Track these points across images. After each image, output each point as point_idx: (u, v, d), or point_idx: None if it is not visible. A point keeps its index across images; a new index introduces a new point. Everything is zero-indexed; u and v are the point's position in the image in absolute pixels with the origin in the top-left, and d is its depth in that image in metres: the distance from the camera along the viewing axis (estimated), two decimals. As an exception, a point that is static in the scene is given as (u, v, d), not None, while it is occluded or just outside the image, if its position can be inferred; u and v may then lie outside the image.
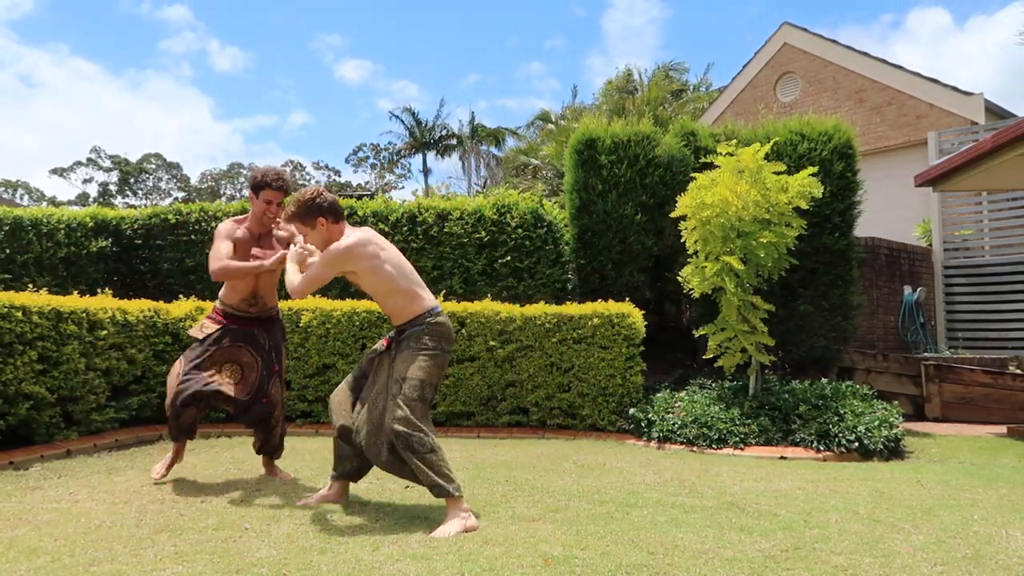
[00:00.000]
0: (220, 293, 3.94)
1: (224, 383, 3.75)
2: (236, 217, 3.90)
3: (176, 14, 75.19)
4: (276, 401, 3.93)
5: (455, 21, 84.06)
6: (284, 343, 4.12)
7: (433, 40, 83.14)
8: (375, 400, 3.22)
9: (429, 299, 3.29)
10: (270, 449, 4.05)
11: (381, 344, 3.34)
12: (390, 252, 3.30)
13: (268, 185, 3.76)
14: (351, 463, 3.37)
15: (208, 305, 6.12)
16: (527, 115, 44.20)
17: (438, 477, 3.01)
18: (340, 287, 7.28)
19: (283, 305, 6.10)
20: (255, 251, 3.75)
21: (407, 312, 3.23)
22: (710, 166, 6.19)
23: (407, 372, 3.11)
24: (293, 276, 3.29)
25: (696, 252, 5.97)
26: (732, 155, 5.86)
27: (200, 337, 3.83)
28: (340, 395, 3.37)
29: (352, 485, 3.65)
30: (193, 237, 7.57)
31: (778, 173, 5.76)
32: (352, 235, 3.22)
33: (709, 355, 6.05)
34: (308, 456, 4.66)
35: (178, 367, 3.78)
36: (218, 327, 3.83)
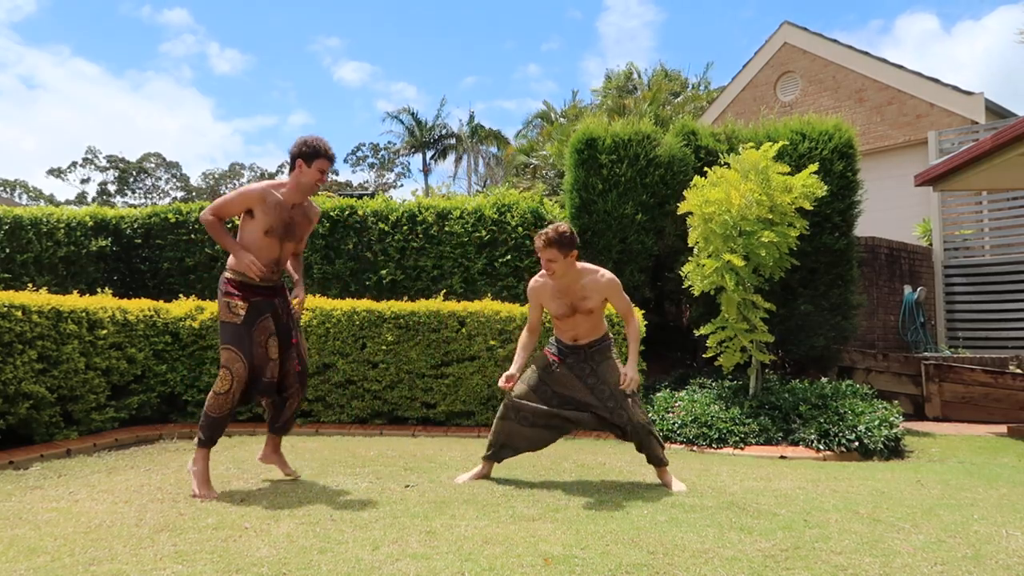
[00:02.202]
0: (229, 262, 3.64)
1: (271, 372, 3.64)
2: (273, 181, 3.68)
3: (176, 17, 75.43)
4: (293, 373, 3.75)
5: (452, 24, 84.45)
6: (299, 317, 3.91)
7: (431, 42, 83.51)
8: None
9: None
10: (281, 425, 3.87)
11: (553, 360, 3.91)
12: None
13: (324, 154, 3.65)
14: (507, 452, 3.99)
15: (208, 305, 6.11)
16: (525, 116, 44.34)
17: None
18: (341, 286, 7.28)
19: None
20: (245, 258, 3.53)
21: (601, 331, 3.92)
22: (711, 164, 6.19)
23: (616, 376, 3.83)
24: (633, 347, 3.91)
25: (698, 248, 5.97)
26: (738, 153, 5.87)
27: (237, 320, 3.55)
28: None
29: (352, 485, 3.69)
30: (193, 236, 7.57)
31: (782, 174, 5.76)
32: (594, 266, 3.87)
33: (709, 354, 6.05)
34: (308, 455, 4.66)
35: (239, 365, 3.52)
36: (245, 304, 3.57)
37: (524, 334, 4.03)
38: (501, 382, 3.75)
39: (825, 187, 5.82)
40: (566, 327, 3.87)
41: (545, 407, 3.87)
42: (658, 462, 3.90)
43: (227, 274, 3.64)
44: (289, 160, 3.71)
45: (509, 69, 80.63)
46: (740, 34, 77.36)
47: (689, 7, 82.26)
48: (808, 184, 5.71)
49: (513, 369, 3.82)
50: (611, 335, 4.02)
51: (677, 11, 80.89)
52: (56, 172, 43.31)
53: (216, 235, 3.60)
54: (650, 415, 5.63)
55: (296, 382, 3.80)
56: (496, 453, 3.97)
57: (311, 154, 3.64)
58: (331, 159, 3.72)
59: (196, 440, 3.61)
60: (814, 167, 5.85)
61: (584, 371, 3.87)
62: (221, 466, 4.31)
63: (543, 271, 3.79)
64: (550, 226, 3.66)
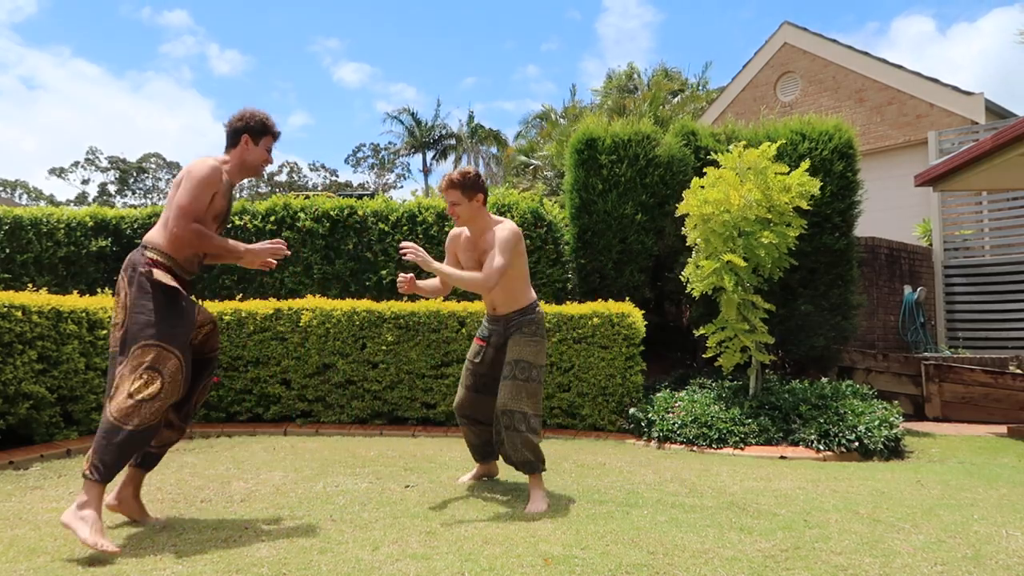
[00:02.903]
0: (158, 240, 2.96)
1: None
2: (220, 157, 3.14)
3: (176, 19, 75.54)
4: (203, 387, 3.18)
5: (452, 25, 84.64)
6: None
7: (430, 43, 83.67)
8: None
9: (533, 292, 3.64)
10: (186, 414, 3.12)
11: (479, 346, 3.61)
12: None
13: (271, 131, 3.23)
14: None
15: (209, 304, 6.12)
16: (524, 117, 44.47)
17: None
18: (341, 286, 7.28)
19: (283, 305, 6.11)
20: (259, 247, 3.13)
21: (524, 300, 3.53)
22: (711, 165, 6.19)
23: (520, 355, 3.41)
24: (466, 274, 3.43)
25: (696, 249, 5.97)
26: (728, 151, 5.87)
27: (167, 283, 2.87)
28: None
29: (352, 486, 3.69)
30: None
31: (780, 174, 5.76)
32: (510, 222, 3.49)
33: (709, 354, 6.05)
34: (308, 456, 4.66)
35: (174, 360, 2.80)
36: (174, 283, 2.91)
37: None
38: (399, 280, 3.44)
39: (819, 183, 5.81)
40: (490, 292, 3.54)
41: (490, 398, 3.57)
42: (527, 466, 3.37)
43: (149, 253, 2.93)
44: (229, 134, 3.18)
45: (508, 70, 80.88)
46: (738, 35, 77.67)
47: (688, 8, 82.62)
48: (803, 183, 5.71)
49: (411, 277, 3.47)
50: (541, 311, 3.58)
51: (676, 12, 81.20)
52: (58, 172, 43.33)
53: (205, 244, 2.98)
54: (650, 415, 5.64)
55: (202, 395, 3.19)
56: (478, 454, 3.86)
57: (259, 129, 3.18)
58: (277, 136, 3.29)
59: (91, 470, 2.67)
60: (806, 165, 5.85)
61: (502, 345, 3.54)
62: (221, 466, 4.31)
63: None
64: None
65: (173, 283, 2.88)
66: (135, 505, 3.03)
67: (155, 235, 2.99)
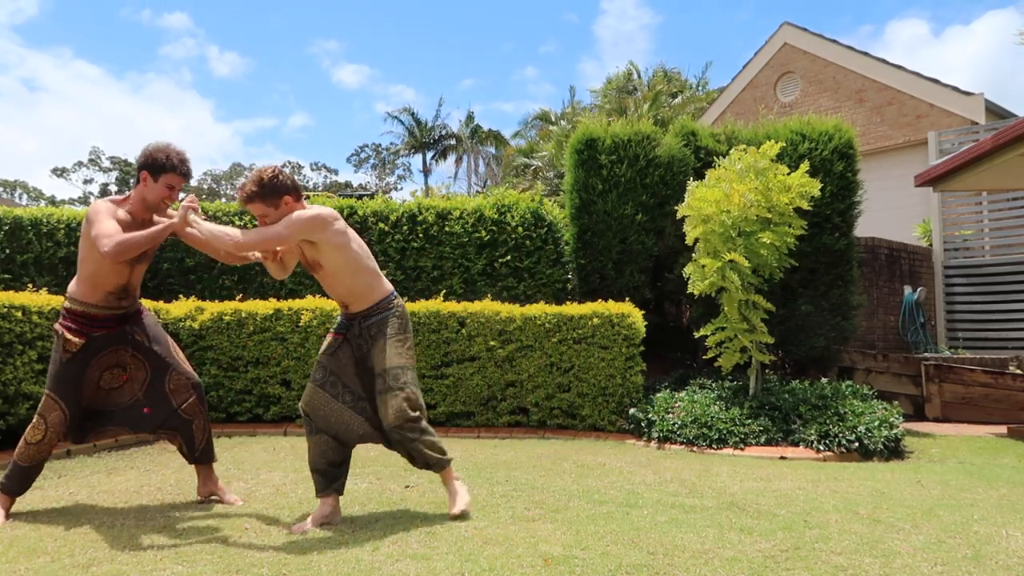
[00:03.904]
0: (72, 290, 3.24)
1: (118, 398, 3.34)
2: (114, 198, 3.26)
3: (176, 21, 75.70)
4: (182, 388, 3.39)
5: (450, 26, 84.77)
6: (164, 335, 3.49)
7: (429, 45, 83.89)
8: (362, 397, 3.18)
9: (388, 284, 3.25)
10: (199, 455, 3.45)
11: (334, 339, 3.19)
12: (354, 234, 3.21)
13: (173, 169, 3.21)
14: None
15: (208, 305, 6.12)
16: (523, 117, 44.61)
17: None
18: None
19: (283, 305, 6.10)
20: (177, 212, 3.18)
21: (373, 295, 3.15)
22: (711, 165, 6.20)
23: (388, 363, 3.05)
24: (231, 231, 3.05)
25: (697, 249, 5.97)
26: (725, 156, 5.88)
27: (65, 356, 3.17)
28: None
29: (351, 486, 3.67)
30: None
31: (781, 174, 5.76)
32: (320, 206, 3.10)
33: (710, 355, 6.05)
34: (297, 456, 4.66)
35: (57, 412, 3.17)
36: (80, 340, 3.18)
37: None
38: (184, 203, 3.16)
39: (819, 184, 5.81)
40: (328, 289, 3.22)
41: (339, 405, 3.14)
42: (436, 465, 3.16)
43: (66, 304, 3.23)
44: (136, 171, 3.28)
45: (507, 71, 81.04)
46: (735, 37, 77.77)
47: (685, 10, 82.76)
48: (803, 183, 5.71)
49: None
50: (400, 304, 3.20)
51: (673, 14, 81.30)
52: (60, 172, 43.31)
53: (134, 246, 3.08)
54: (650, 415, 5.63)
55: (194, 398, 3.41)
56: (324, 481, 3.10)
57: (158, 167, 3.20)
58: (184, 175, 3.26)
59: (2, 486, 3.21)
60: (806, 166, 5.85)
61: (362, 350, 3.16)
62: (221, 466, 4.31)
63: None
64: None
65: (71, 337, 3.18)
66: (215, 489, 3.50)
67: (71, 286, 3.28)
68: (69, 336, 3.17)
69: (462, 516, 3.07)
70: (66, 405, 3.19)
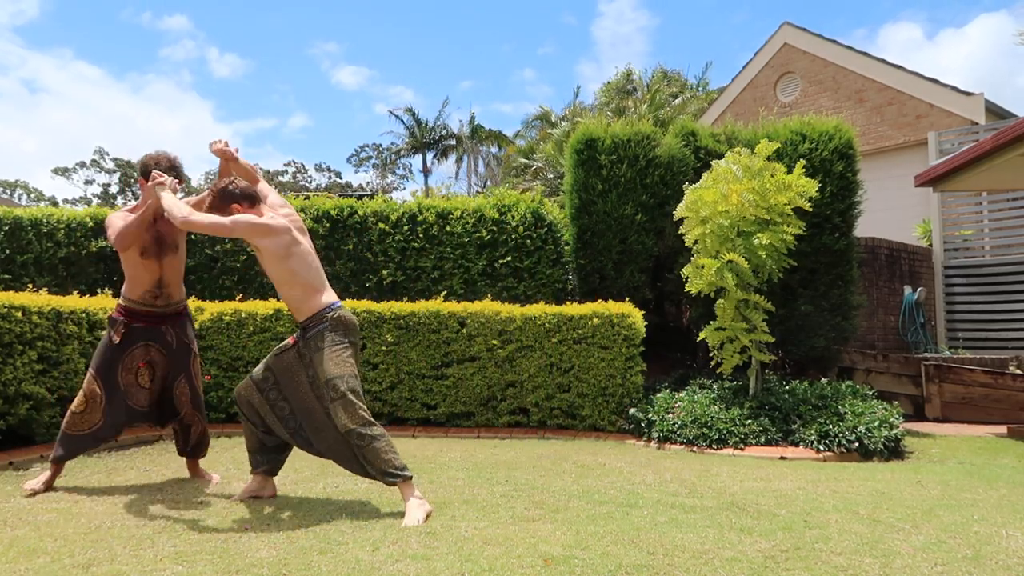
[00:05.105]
0: (123, 288, 3.78)
1: (140, 400, 3.80)
2: (128, 207, 3.77)
3: (176, 23, 75.82)
4: (184, 400, 3.89)
5: (450, 28, 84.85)
6: (195, 343, 3.98)
7: (428, 46, 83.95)
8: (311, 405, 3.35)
9: (330, 295, 3.41)
10: (190, 451, 4.01)
11: (289, 344, 3.43)
12: (306, 244, 3.43)
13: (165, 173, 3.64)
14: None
15: (208, 305, 6.12)
16: (522, 118, 44.70)
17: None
18: (341, 287, 7.28)
19: (283, 305, 6.10)
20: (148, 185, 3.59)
21: (305, 308, 3.33)
22: (711, 166, 6.19)
23: (326, 374, 3.22)
24: (184, 208, 3.33)
25: (696, 249, 5.97)
26: (736, 154, 5.87)
27: (111, 343, 3.69)
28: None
29: (352, 486, 3.68)
30: (193, 237, 7.56)
31: (779, 174, 5.76)
32: (276, 219, 3.36)
33: (712, 363, 6.04)
34: (308, 456, 4.65)
35: (95, 388, 3.65)
36: (126, 321, 3.71)
37: None
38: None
39: (816, 184, 5.81)
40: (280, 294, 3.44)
41: (272, 415, 3.41)
42: (390, 476, 3.17)
43: (119, 301, 3.80)
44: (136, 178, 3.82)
45: (505, 73, 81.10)
46: (732, 38, 77.70)
47: (682, 11, 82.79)
48: (801, 183, 5.71)
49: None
50: (341, 313, 3.34)
51: (671, 16, 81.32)
52: (62, 171, 43.28)
53: (137, 227, 3.58)
54: (650, 415, 5.63)
55: (191, 408, 3.93)
56: (255, 460, 3.50)
57: (148, 173, 3.67)
58: (177, 177, 3.69)
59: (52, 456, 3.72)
60: (801, 166, 5.84)
61: (305, 360, 3.32)
62: (221, 466, 4.31)
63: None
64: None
65: (119, 317, 3.71)
66: (196, 472, 4.07)
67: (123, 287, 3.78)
68: (117, 317, 3.70)
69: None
70: (103, 383, 3.67)
